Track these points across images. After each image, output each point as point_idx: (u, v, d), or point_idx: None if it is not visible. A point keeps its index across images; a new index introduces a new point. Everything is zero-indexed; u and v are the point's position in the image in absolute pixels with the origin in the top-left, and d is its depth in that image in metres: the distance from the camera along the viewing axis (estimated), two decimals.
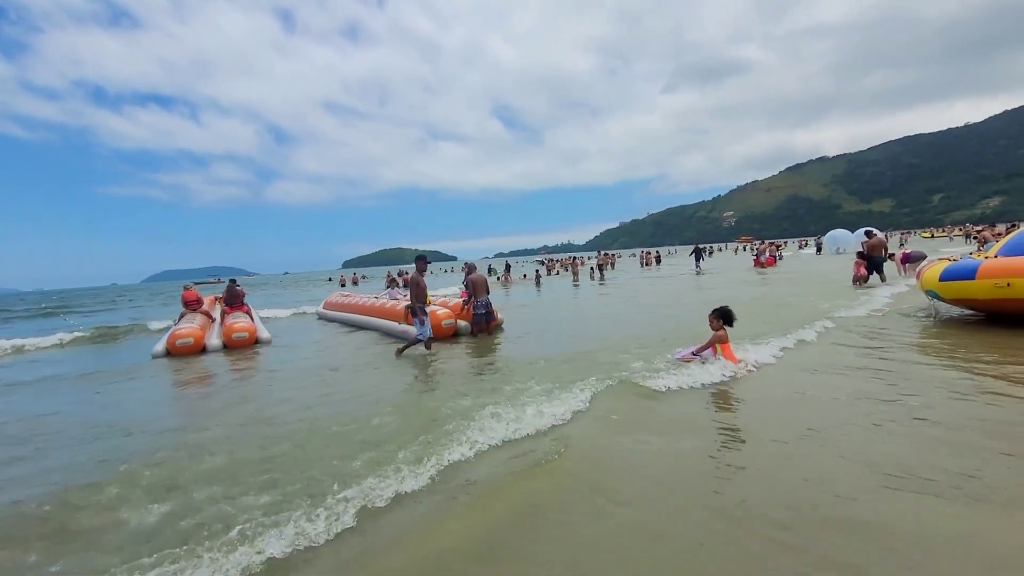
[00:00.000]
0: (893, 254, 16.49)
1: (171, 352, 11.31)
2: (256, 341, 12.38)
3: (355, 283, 44.46)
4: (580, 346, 8.48)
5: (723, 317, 6.09)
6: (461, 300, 11.68)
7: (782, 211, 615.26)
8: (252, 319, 13.83)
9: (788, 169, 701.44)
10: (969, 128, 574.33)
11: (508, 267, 34.08)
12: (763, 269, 26.49)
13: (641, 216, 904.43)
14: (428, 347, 8.93)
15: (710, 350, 6.21)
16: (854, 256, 15.27)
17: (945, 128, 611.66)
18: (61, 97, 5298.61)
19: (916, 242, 47.68)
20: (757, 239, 29.00)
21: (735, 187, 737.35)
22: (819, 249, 43.94)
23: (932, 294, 8.43)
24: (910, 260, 15.27)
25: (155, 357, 11.19)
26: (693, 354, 6.32)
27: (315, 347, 11.51)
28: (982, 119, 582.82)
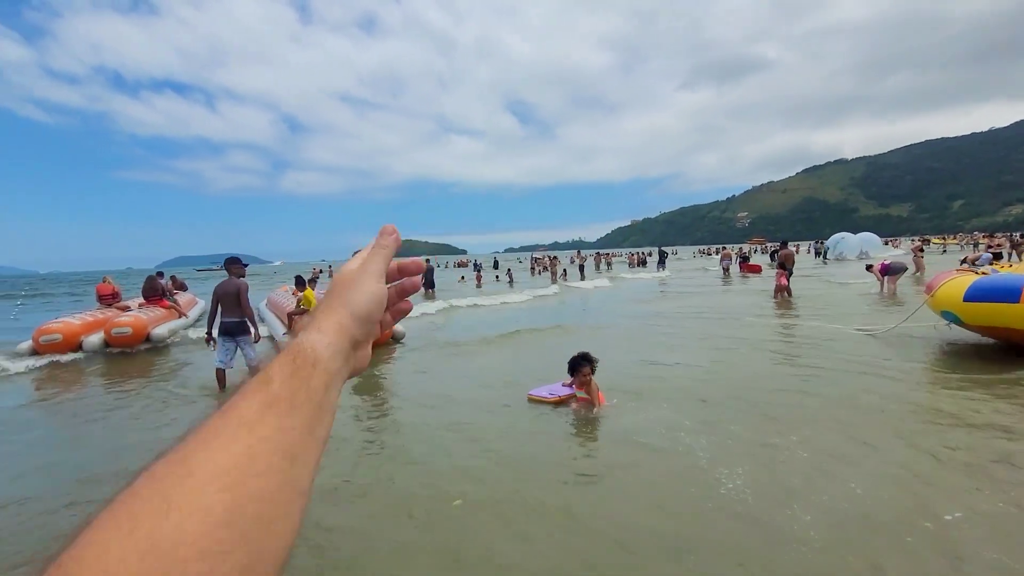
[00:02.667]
0: (871, 265, 15.22)
1: (37, 351, 9.57)
2: (148, 339, 10.26)
3: None
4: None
5: (575, 366, 5.05)
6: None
7: (797, 213, 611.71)
8: (150, 314, 11.37)
9: (805, 171, 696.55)
10: (993, 133, 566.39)
11: (479, 267, 31.69)
12: (746, 275, 23.68)
13: (653, 215, 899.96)
14: (221, 384, 6.10)
15: (570, 390, 5.25)
16: (870, 265, 14.88)
17: (969, 132, 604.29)
18: (81, 82, 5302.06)
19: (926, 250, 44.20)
20: (783, 242, 26.30)
21: (750, 188, 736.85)
22: (820, 254, 37.36)
23: (950, 316, 6.45)
24: (890, 272, 13.79)
25: (19, 355, 9.36)
26: (550, 394, 5.33)
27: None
28: (1007, 124, 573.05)
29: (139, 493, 0.27)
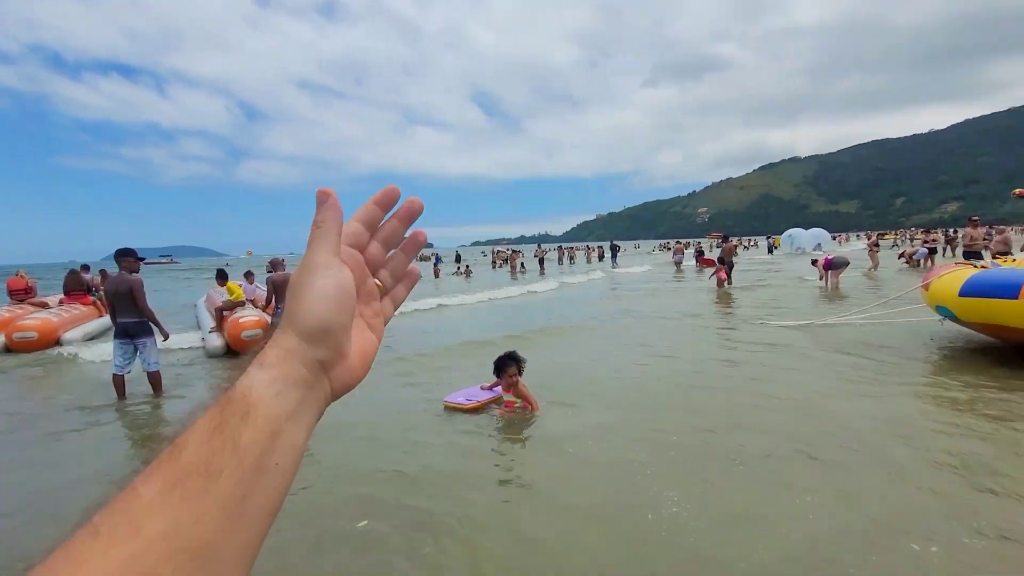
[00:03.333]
0: (816, 260, 15.50)
1: None
2: (58, 343, 9.31)
3: None
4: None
5: (501, 366, 4.61)
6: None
7: (754, 209, 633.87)
8: (65, 314, 10.26)
9: (761, 168, 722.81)
10: (932, 135, 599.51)
11: (439, 260, 31.29)
12: (701, 268, 24.14)
13: (618, 209, 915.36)
14: (120, 392, 5.31)
15: (495, 393, 4.84)
16: (812, 258, 15.60)
17: (910, 134, 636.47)
18: (14, 61, 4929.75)
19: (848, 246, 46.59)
20: (724, 236, 27.07)
21: (710, 184, 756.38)
22: (770, 250, 40.21)
23: (944, 312, 6.20)
24: (833, 266, 13.95)
25: None
26: (466, 400, 4.82)
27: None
28: (944, 127, 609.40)
29: None
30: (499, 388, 4.71)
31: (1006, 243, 12.85)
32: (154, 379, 5.63)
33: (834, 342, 6.76)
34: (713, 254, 30.37)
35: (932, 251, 19.26)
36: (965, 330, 6.40)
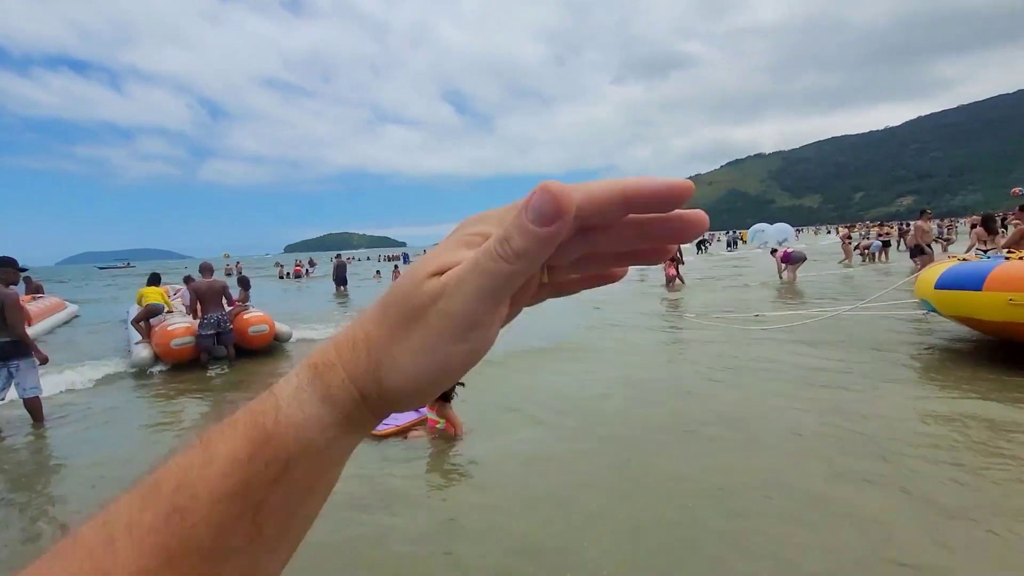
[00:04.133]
0: (776, 250, 15.41)
1: None
2: None
3: (299, 275, 31.13)
4: None
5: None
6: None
7: (722, 204, 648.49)
8: None
9: (728, 164, 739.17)
10: (888, 131, 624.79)
11: (407, 260, 30.38)
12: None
13: None
14: None
15: (417, 414, 4.32)
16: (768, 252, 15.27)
17: (868, 130, 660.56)
18: None
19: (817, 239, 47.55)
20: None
21: None
22: (731, 244, 39.52)
23: (927, 306, 6.16)
24: (791, 261, 13.85)
25: None
26: (383, 425, 3.23)
27: None
28: (899, 123, 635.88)
29: None
30: (423, 408, 4.18)
31: (922, 235, 13.03)
32: (32, 406, 4.94)
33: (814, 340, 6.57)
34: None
35: (886, 244, 19.67)
36: (939, 325, 6.40)
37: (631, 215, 0.25)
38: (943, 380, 4.85)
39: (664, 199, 0.24)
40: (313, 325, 9.84)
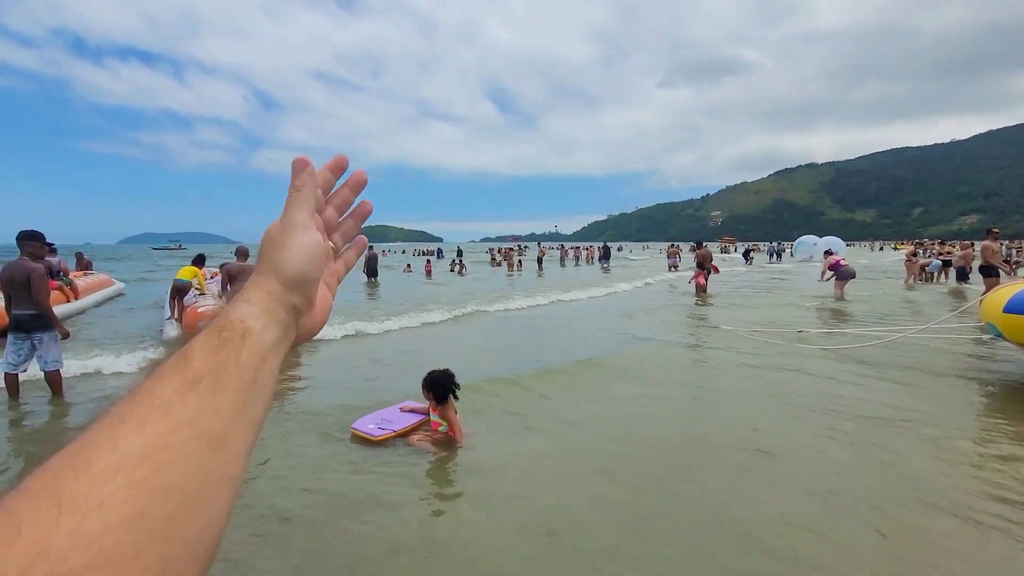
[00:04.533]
0: (830, 251, 14.87)
1: None
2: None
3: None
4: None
5: (444, 390, 3.80)
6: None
7: (768, 214, 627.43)
8: None
9: (777, 173, 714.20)
10: (954, 145, 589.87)
11: (441, 255, 30.46)
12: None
13: (629, 210, 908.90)
14: (13, 393, 4.74)
15: (414, 417, 4.09)
16: (822, 266, 14.07)
17: (931, 143, 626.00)
18: (38, 45, 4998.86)
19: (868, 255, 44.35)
20: (698, 242, 16.16)
21: (724, 187, 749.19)
22: (748, 255, 35.98)
23: (992, 330, 5.68)
24: (839, 275, 13.09)
25: None
26: (379, 428, 3.89)
27: None
28: (967, 137, 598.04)
29: (27, 492, 0.24)
30: (419, 414, 4.02)
31: (966, 260, 12.00)
32: (53, 379, 5.02)
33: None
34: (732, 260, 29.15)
35: (947, 263, 18.30)
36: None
37: (340, 192, 0.45)
38: (1010, 416, 4.31)
39: (340, 163, 0.44)
40: (349, 323, 8.53)
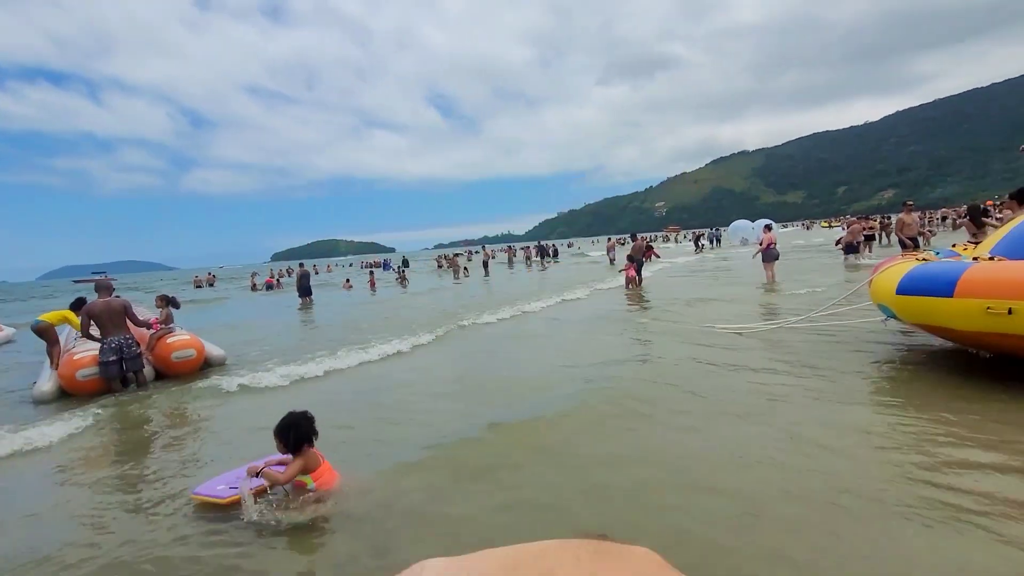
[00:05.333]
0: (770, 225, 15.05)
1: None
2: None
3: (270, 286, 31.03)
4: None
5: (300, 437, 3.08)
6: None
7: (708, 202, 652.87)
8: None
9: (713, 162, 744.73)
10: (868, 126, 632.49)
11: (386, 265, 29.89)
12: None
13: (579, 206, 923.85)
14: None
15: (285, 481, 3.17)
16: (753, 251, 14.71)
17: (848, 126, 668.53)
18: None
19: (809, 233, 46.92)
20: (633, 234, 16.94)
21: (665, 179, 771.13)
22: (698, 243, 36.70)
23: (885, 311, 5.58)
24: (766, 258, 13.34)
25: None
26: (229, 488, 3.20)
27: None
28: (878, 118, 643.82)
29: None
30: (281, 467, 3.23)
31: (903, 228, 12.80)
32: None
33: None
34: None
35: (870, 238, 19.37)
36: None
37: None
38: (906, 398, 4.34)
39: None
40: (258, 365, 7.49)
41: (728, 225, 41.78)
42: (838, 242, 21.11)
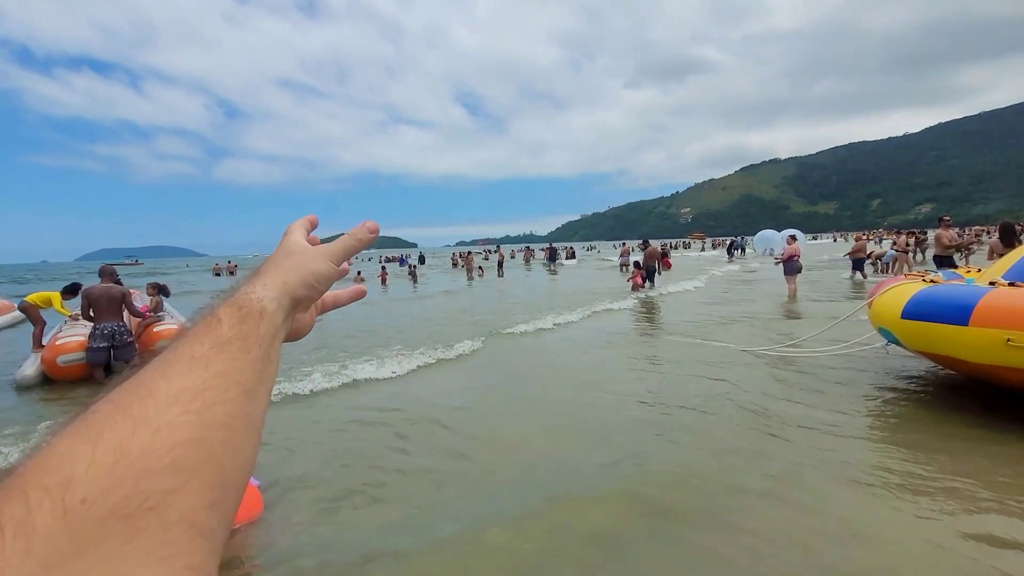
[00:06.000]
0: (794, 237, 14.80)
1: None
2: None
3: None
4: None
5: None
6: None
7: (736, 209, 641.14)
8: None
9: (743, 169, 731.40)
10: (906, 138, 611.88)
11: (404, 262, 29.97)
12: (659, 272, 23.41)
13: (602, 209, 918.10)
14: None
15: None
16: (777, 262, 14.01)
17: (885, 137, 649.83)
18: None
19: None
20: (644, 241, 17.02)
21: (692, 184, 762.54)
22: (731, 251, 36.96)
23: (887, 335, 5.04)
24: (787, 271, 12.88)
25: None
26: None
27: None
28: (918, 130, 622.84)
29: (101, 411, 0.26)
30: None
31: (861, 251, 12.01)
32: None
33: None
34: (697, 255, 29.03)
35: (903, 253, 18.36)
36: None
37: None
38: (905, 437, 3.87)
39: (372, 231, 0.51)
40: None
41: (755, 234, 40.67)
42: (868, 255, 19.97)
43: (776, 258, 13.81)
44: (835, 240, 75.09)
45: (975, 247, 18.55)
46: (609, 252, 57.98)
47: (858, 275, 15.37)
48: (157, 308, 7.89)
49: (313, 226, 0.50)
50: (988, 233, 31.69)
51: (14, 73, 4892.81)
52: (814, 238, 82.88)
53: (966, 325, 3.96)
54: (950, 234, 11.72)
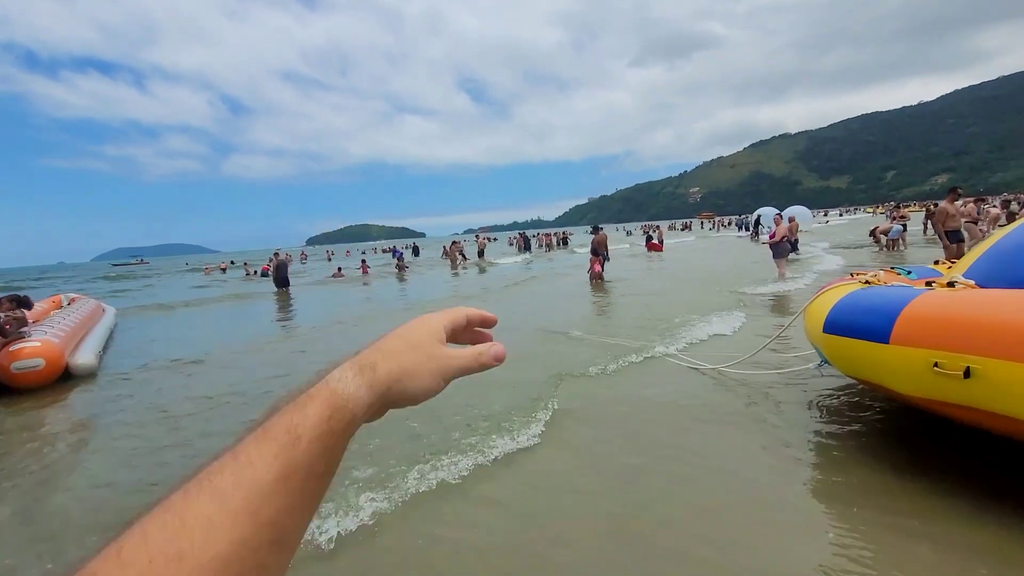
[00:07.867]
0: (781, 215, 13.69)
1: None
2: None
3: (267, 273, 24.80)
4: None
5: None
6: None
7: (745, 187, 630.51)
8: None
9: (752, 145, 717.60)
10: (921, 107, 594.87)
11: (395, 252, 29.56)
12: (650, 256, 23.30)
13: (610, 192, 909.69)
14: None
15: None
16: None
17: (899, 107, 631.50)
18: None
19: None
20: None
21: (701, 163, 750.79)
22: (746, 228, 35.78)
23: (819, 354, 3.97)
24: (775, 254, 11.66)
25: None
26: None
27: None
28: (933, 98, 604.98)
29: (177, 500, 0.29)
30: None
31: (946, 219, 9.84)
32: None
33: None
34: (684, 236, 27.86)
35: (971, 224, 15.56)
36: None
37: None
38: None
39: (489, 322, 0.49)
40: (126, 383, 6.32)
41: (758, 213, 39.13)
42: (872, 232, 18.50)
43: (767, 240, 12.77)
44: (841, 215, 72.07)
45: (988, 229, 16.04)
46: (617, 237, 54.33)
47: (779, 263, 11.81)
48: (19, 323, 7.01)
49: (472, 324, 0.47)
50: (1018, 201, 28.17)
51: (21, 77, 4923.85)
52: (824, 214, 79.84)
53: (887, 343, 2.89)
54: (953, 207, 9.87)
